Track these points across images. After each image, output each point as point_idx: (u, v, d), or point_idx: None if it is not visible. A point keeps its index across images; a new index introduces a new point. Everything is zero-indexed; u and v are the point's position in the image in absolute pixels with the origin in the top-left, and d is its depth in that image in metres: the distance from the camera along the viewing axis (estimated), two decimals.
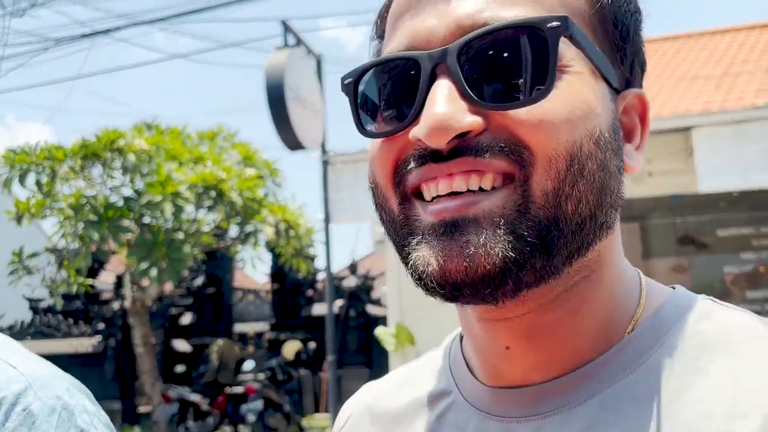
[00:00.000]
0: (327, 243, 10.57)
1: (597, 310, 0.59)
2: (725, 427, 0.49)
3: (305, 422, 12.41)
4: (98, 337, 15.09)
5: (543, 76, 0.51)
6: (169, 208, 10.28)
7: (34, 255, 11.17)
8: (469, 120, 0.51)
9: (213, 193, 10.80)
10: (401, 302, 9.47)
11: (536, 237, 0.51)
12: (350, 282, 15.95)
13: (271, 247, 12.41)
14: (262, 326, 17.53)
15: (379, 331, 8.14)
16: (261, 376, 12.10)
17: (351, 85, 0.60)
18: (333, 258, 12.47)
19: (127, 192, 11.06)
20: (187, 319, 16.47)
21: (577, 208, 0.53)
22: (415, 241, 0.55)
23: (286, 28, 10.36)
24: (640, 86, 0.63)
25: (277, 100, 8.83)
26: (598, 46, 0.56)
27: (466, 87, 0.52)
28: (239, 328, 17.12)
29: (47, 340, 14.56)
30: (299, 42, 10.65)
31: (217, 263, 15.58)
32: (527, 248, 0.51)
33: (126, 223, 10.54)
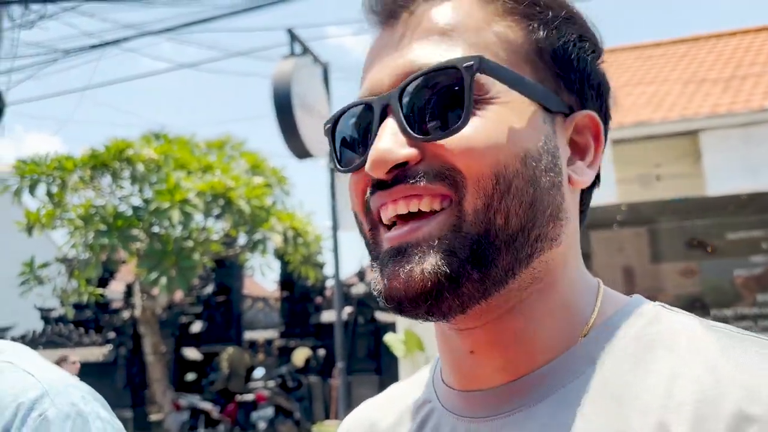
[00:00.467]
0: (335, 250, 10.60)
1: (552, 318, 0.62)
2: (663, 417, 0.53)
3: (315, 429, 12.41)
4: (109, 346, 15.15)
5: (462, 108, 0.57)
6: (177, 217, 10.34)
7: (45, 265, 11.22)
8: (405, 152, 0.58)
9: (221, 202, 10.85)
10: None
11: (469, 251, 0.57)
12: (359, 289, 15.93)
13: (280, 255, 12.45)
14: (271, 334, 17.54)
15: (389, 338, 8.11)
16: (271, 383, 12.08)
17: (329, 130, 0.68)
18: (341, 265, 12.52)
19: (136, 201, 11.14)
20: (197, 327, 16.53)
21: (506, 221, 0.57)
22: (375, 264, 0.62)
23: (293, 37, 10.41)
24: (598, 107, 0.66)
25: (284, 108, 8.86)
26: (535, 76, 0.61)
27: (405, 124, 0.59)
28: (249, 335, 17.13)
29: (59, 349, 14.61)
30: (306, 50, 10.70)
31: (227, 271, 15.65)
32: (461, 263, 0.57)
33: (135, 232, 10.62)
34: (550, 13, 0.63)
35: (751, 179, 7.84)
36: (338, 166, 0.67)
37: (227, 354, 13.49)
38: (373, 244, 0.64)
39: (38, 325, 17.11)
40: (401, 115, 0.59)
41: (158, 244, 10.64)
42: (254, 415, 11.59)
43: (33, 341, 15.41)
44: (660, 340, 0.59)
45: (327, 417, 13.46)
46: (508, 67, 0.60)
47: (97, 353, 15.02)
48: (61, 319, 16.09)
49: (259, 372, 12.60)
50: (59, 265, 11.44)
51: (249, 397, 12.06)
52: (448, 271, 0.56)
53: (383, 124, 0.60)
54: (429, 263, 0.56)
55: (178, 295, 13.90)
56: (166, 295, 11.17)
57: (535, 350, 0.62)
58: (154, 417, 13.27)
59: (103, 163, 10.87)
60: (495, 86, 0.58)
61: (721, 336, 0.58)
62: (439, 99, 0.59)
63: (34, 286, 11.14)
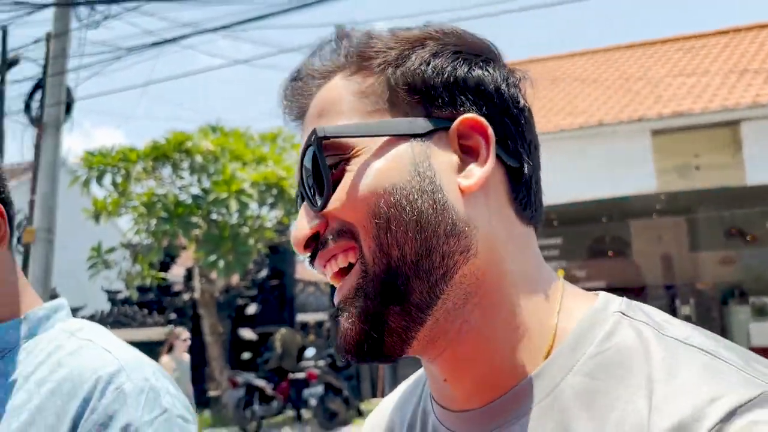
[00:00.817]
0: None
1: (505, 337, 0.61)
2: None
3: (363, 406, 12.23)
4: (170, 327, 15.22)
5: (325, 173, 0.60)
6: (234, 205, 10.46)
7: (111, 250, 11.52)
8: (311, 225, 0.61)
9: (274, 191, 10.98)
10: None
11: (380, 290, 0.58)
12: None
13: None
14: (322, 316, 17.65)
15: None
16: (321, 362, 12.25)
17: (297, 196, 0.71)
18: None
19: (195, 190, 11.29)
20: (252, 309, 16.73)
21: (401, 252, 0.58)
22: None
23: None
24: (480, 106, 0.62)
25: None
26: (397, 112, 0.62)
27: (308, 200, 0.62)
28: (301, 318, 17.28)
29: (124, 329, 14.60)
30: None
31: (280, 257, 15.67)
32: (378, 303, 0.58)
33: (194, 219, 10.78)
34: (392, 52, 0.63)
35: None
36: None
37: (280, 335, 13.31)
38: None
39: (106, 307, 17.48)
40: (306, 192, 0.62)
41: (216, 230, 10.74)
42: (306, 392, 11.79)
43: (101, 321, 15.49)
44: (613, 360, 0.57)
45: (374, 395, 13.35)
46: (357, 121, 0.61)
47: (159, 333, 15.13)
48: (127, 301, 16.43)
49: (310, 352, 12.68)
50: (124, 250, 11.68)
51: (301, 375, 12.22)
52: (367, 317, 0.58)
53: (300, 210, 0.64)
54: (351, 317, 0.59)
55: (235, 279, 14.12)
56: (224, 278, 11.38)
57: (498, 374, 0.61)
58: (212, 393, 13.25)
59: (163, 155, 11.04)
60: (355, 141, 0.60)
61: (669, 351, 0.56)
62: (315, 172, 0.61)
63: (102, 269, 11.45)
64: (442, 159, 0.61)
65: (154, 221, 10.77)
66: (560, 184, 7.44)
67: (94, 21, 10.01)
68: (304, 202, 0.63)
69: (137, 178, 11.18)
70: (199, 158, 11.01)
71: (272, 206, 11.45)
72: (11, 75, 11.67)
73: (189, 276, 14.73)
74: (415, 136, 0.61)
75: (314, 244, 0.62)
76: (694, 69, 9.53)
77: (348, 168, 0.60)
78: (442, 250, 0.58)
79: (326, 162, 0.59)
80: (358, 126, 0.61)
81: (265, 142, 12.08)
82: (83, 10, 9.95)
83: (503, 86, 0.64)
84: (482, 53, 0.65)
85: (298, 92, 0.68)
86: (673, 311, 9.10)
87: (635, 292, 9.81)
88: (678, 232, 10.68)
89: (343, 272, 0.62)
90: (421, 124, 0.61)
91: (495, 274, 0.61)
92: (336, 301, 0.62)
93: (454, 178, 0.61)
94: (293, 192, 10.75)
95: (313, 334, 15.42)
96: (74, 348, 0.94)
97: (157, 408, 0.91)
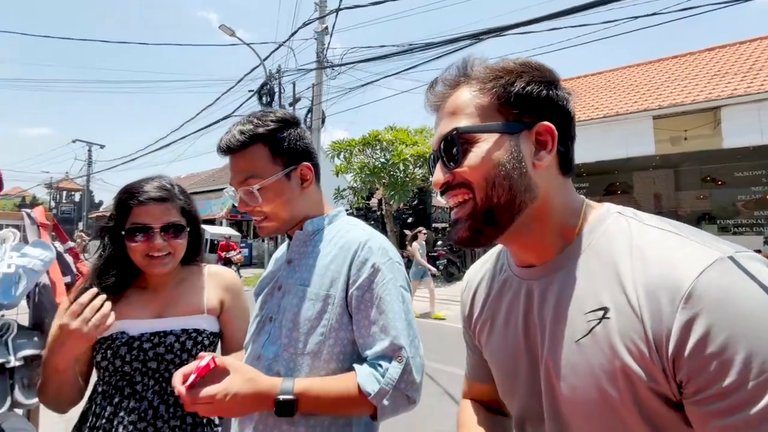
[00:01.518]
0: None
1: (550, 230, 0.57)
2: (626, 287, 0.48)
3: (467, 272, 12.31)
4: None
5: (458, 151, 0.55)
6: (402, 167, 10.53)
7: (343, 190, 11.98)
8: (444, 177, 0.57)
9: (421, 161, 10.71)
10: None
11: (482, 218, 0.55)
12: None
13: None
14: (445, 225, 17.53)
15: None
16: (446, 248, 11.99)
17: (429, 158, 0.63)
18: None
19: (382, 160, 11.29)
20: (410, 220, 17.00)
21: (498, 200, 0.54)
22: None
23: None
24: (552, 116, 0.56)
25: None
26: (501, 117, 0.55)
27: (444, 164, 0.57)
28: (435, 225, 17.30)
29: None
30: None
31: (424, 194, 15.71)
32: (480, 224, 0.55)
33: (382, 174, 10.88)
34: (502, 80, 0.56)
35: (759, 136, 6.03)
36: (430, 174, 0.64)
37: (425, 233, 13.65)
38: (449, 211, 0.62)
39: None
40: (442, 159, 0.58)
41: (393, 180, 10.80)
42: (437, 262, 11.58)
43: None
44: (613, 236, 0.53)
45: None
46: (479, 124, 0.55)
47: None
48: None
49: (439, 242, 12.69)
50: (349, 191, 12.04)
51: (434, 254, 12.05)
52: (473, 229, 0.56)
53: (437, 165, 0.59)
54: (465, 228, 0.56)
55: (401, 205, 14.29)
56: (396, 204, 11.47)
57: (546, 247, 0.57)
58: None
59: (367, 142, 11.14)
60: (476, 135, 0.55)
61: (647, 232, 0.50)
62: (452, 148, 0.56)
63: (339, 200, 11.82)
64: (525, 147, 0.55)
65: (362, 176, 10.95)
66: (590, 150, 6.84)
67: (333, 76, 10.26)
68: (439, 163, 0.58)
69: (355, 154, 11.38)
70: (384, 143, 11.03)
71: (420, 167, 11.19)
72: (297, 107, 12.21)
73: (380, 203, 15.08)
74: (511, 133, 0.55)
75: (445, 186, 0.58)
76: (686, 75, 7.67)
77: (471, 149, 0.55)
78: (519, 198, 0.55)
79: (459, 144, 0.55)
80: (480, 126, 0.55)
81: (417, 133, 11.77)
82: (329, 71, 10.21)
83: (565, 103, 0.57)
84: (553, 80, 0.57)
85: (435, 95, 0.61)
86: None
87: None
88: (667, 180, 8.99)
89: (459, 204, 0.58)
90: (517, 126, 0.55)
91: (546, 205, 0.56)
92: (454, 218, 0.58)
93: (531, 159, 0.55)
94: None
95: (441, 233, 15.34)
96: (349, 229, 0.87)
97: (387, 256, 0.82)
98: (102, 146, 26.97)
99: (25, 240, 1.09)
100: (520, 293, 0.60)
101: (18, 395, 0.96)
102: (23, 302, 1.04)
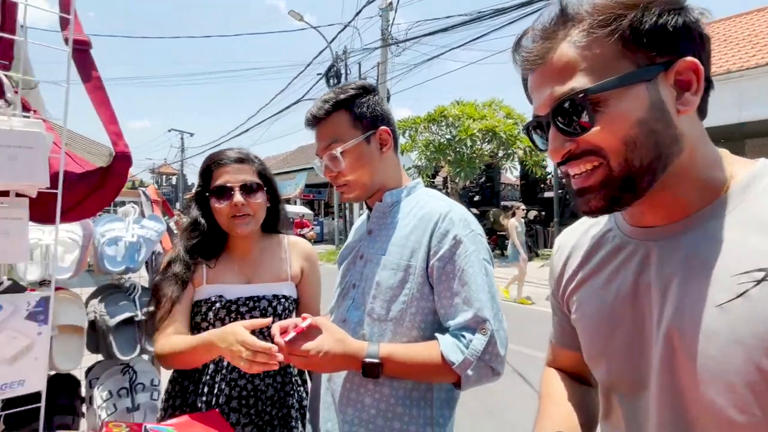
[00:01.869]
0: None
1: (692, 185, 0.48)
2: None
3: (539, 252, 11.75)
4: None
5: (584, 114, 0.46)
6: (468, 143, 10.17)
7: (408, 169, 11.69)
8: (565, 146, 0.48)
9: (490, 135, 10.31)
10: None
11: (619, 186, 0.46)
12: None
13: (521, 162, 11.59)
14: (515, 203, 16.80)
15: None
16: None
17: (525, 128, 0.54)
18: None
19: (448, 136, 10.97)
20: (476, 198, 16.55)
21: (641, 163, 0.46)
22: (570, 192, 0.52)
23: None
24: (692, 49, 0.46)
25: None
26: (632, 63, 0.45)
27: (562, 131, 0.48)
28: (503, 203, 16.63)
29: None
30: None
31: (491, 170, 15.09)
32: (616, 192, 0.47)
33: (448, 151, 10.60)
34: (625, 20, 0.45)
35: None
36: (533, 146, 0.54)
37: (492, 211, 13.29)
38: (567, 180, 0.52)
39: None
40: (558, 126, 0.48)
41: (459, 156, 10.49)
42: (507, 241, 11.39)
43: None
44: None
45: (545, 246, 12.68)
46: (603, 79, 0.45)
47: None
48: None
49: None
50: (414, 169, 11.90)
51: (503, 233, 11.85)
52: (608, 198, 0.47)
53: (550, 133, 0.48)
54: (597, 198, 0.47)
55: (467, 182, 13.93)
56: (462, 181, 11.15)
57: (683, 205, 0.48)
58: None
59: (432, 119, 10.89)
60: (603, 95, 0.45)
61: None
62: (573, 113, 0.46)
63: None
64: (665, 92, 0.46)
65: (428, 153, 10.76)
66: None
67: (398, 52, 10.13)
68: (553, 131, 0.48)
69: (420, 132, 11.21)
70: (450, 119, 10.70)
71: (488, 143, 10.70)
72: None
73: (445, 181, 14.83)
74: (647, 80, 0.45)
75: (567, 156, 0.48)
76: None
77: (600, 110, 0.45)
78: (666, 153, 0.46)
79: (584, 107, 0.45)
80: (609, 82, 0.45)
81: (485, 107, 11.21)
82: (393, 48, 10.10)
83: (701, 29, 0.46)
84: (682, 4, 0.46)
85: (529, 50, 0.49)
86: None
87: None
88: None
89: (587, 173, 0.48)
90: (652, 70, 0.45)
91: (690, 157, 0.47)
92: (579, 186, 0.49)
93: (674, 105, 0.46)
94: (501, 134, 10.07)
95: (510, 212, 14.70)
96: (428, 200, 0.87)
97: (469, 228, 0.81)
98: (191, 134, 30.00)
99: (141, 214, 1.21)
100: (633, 254, 0.52)
101: (145, 344, 1.06)
102: (143, 268, 1.15)
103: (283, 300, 1.00)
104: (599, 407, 0.56)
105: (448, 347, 0.75)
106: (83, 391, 1.06)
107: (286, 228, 1.11)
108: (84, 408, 1.04)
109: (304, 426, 0.98)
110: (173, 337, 0.91)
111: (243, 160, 0.99)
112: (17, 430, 0.85)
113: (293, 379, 1.01)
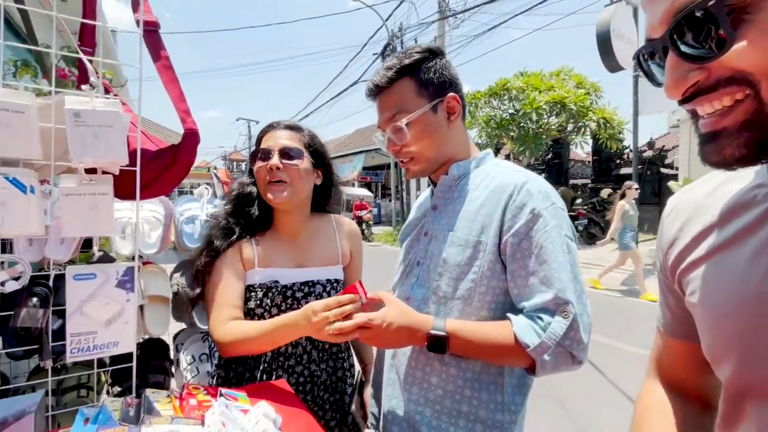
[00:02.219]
0: (635, 129, 8.51)
1: None
2: None
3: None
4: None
5: (723, 27, 0.33)
6: (534, 117, 9.60)
7: None
8: (690, 77, 0.36)
9: (558, 107, 9.60)
10: (689, 164, 7.22)
11: None
12: (648, 154, 12.70)
13: (594, 135, 10.61)
14: (585, 181, 15.50)
15: (671, 183, 6.38)
16: (585, 207, 10.79)
17: (635, 57, 0.42)
18: (638, 138, 9.61)
19: (511, 111, 10.46)
20: (542, 176, 15.45)
21: None
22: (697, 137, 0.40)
23: None
24: None
25: (604, 38, 7.12)
26: None
27: (684, 57, 0.36)
28: (572, 182, 15.47)
29: None
30: None
31: (560, 146, 14.06)
32: (764, 139, 0.34)
33: (511, 127, 10.14)
34: None
35: None
36: (649, 81, 0.42)
37: (560, 191, 12.43)
38: (695, 120, 0.40)
39: None
40: (678, 51, 0.36)
41: (523, 132, 9.97)
42: (575, 223, 10.61)
43: None
44: None
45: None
46: None
47: None
48: None
49: (578, 200, 11.37)
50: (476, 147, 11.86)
51: (572, 213, 11.04)
52: (753, 143, 0.35)
53: (668, 61, 0.37)
54: (737, 143, 0.35)
55: (532, 160, 13.20)
56: (526, 159, 10.54)
57: None
58: None
59: (494, 93, 10.44)
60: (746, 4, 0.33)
61: None
62: (708, 22, 0.34)
63: None
64: None
65: (489, 130, 10.35)
66: None
67: (456, 25, 9.71)
68: (672, 56, 0.36)
69: (480, 107, 10.79)
70: (514, 92, 10.12)
71: (557, 116, 9.97)
72: None
73: (507, 158, 13.84)
74: None
75: (694, 89, 0.36)
76: None
77: (748, 17, 0.32)
78: None
79: (724, 16, 0.32)
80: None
81: (552, 76, 10.44)
82: (451, 21, 9.71)
83: None
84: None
85: None
86: None
87: None
88: None
89: (722, 110, 0.36)
90: None
91: None
92: (710, 129, 0.37)
93: None
94: (571, 106, 9.28)
95: (580, 191, 13.69)
96: (500, 171, 0.81)
97: (549, 201, 0.74)
98: (257, 122, 31.82)
99: (214, 195, 1.24)
100: None
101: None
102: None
103: (336, 284, 0.98)
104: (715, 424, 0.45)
105: (522, 328, 0.69)
106: (172, 354, 1.14)
107: (338, 208, 1.08)
108: (173, 369, 1.13)
109: (349, 408, 0.97)
110: (243, 324, 0.87)
111: (292, 128, 0.97)
112: (120, 384, 0.98)
113: (344, 364, 1.01)
